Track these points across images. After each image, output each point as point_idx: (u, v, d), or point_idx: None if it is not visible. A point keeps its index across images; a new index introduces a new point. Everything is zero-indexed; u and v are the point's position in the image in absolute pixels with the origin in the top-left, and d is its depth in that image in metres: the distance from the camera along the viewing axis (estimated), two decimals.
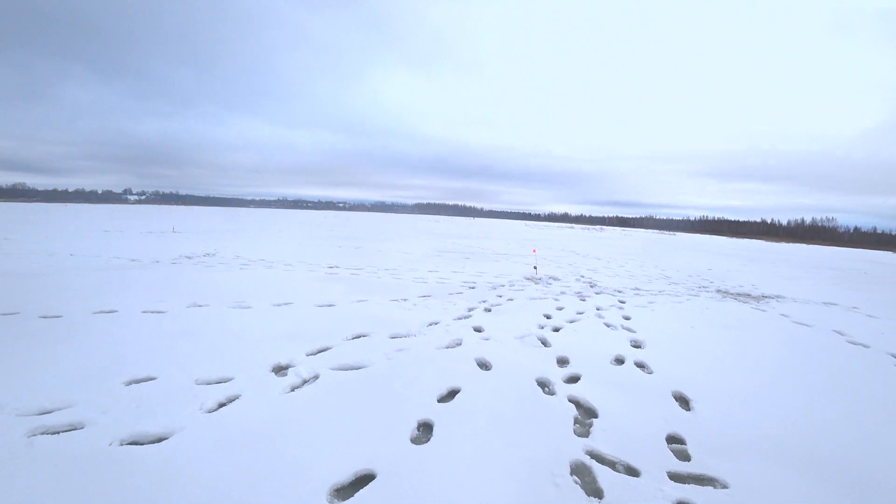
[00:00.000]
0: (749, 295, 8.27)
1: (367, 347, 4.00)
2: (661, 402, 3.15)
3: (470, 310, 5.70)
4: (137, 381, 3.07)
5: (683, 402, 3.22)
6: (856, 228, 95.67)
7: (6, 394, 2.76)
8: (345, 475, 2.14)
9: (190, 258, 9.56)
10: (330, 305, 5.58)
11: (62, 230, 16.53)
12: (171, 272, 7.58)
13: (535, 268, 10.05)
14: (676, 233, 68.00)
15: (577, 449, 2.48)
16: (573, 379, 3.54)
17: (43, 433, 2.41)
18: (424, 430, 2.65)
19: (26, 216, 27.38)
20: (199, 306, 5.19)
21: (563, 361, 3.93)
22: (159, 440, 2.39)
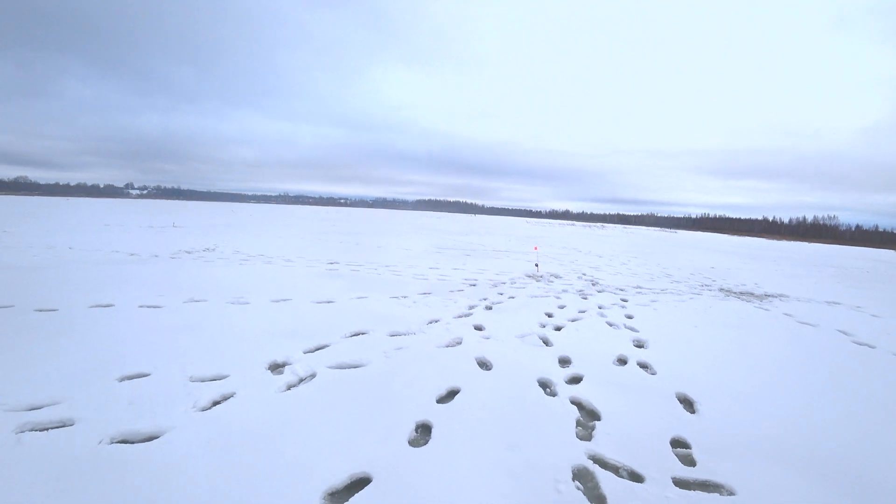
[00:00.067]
0: (752, 294, 8.18)
1: (365, 345, 3.93)
2: (664, 404, 3.08)
3: (471, 307, 5.63)
4: (131, 378, 3.02)
5: (687, 403, 3.15)
6: (857, 226, 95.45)
7: None
8: (340, 478, 2.08)
9: (189, 253, 9.51)
10: (329, 302, 5.51)
11: (63, 224, 16.49)
12: (170, 267, 7.53)
13: (536, 265, 9.98)
14: (678, 230, 67.80)
15: (579, 453, 2.41)
16: (575, 379, 3.47)
17: (32, 430, 2.35)
18: (423, 432, 2.58)
19: (27, 209, 27.38)
20: (197, 301, 5.13)
21: (564, 361, 3.86)
22: (150, 439, 2.33)
